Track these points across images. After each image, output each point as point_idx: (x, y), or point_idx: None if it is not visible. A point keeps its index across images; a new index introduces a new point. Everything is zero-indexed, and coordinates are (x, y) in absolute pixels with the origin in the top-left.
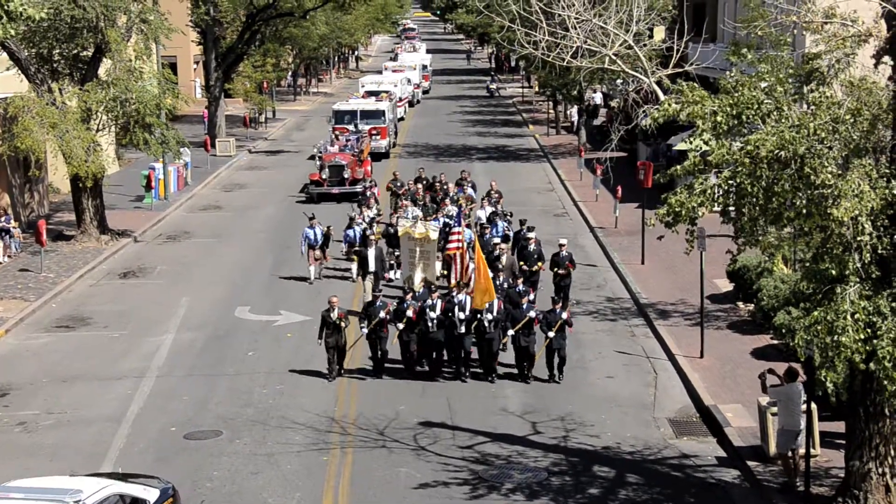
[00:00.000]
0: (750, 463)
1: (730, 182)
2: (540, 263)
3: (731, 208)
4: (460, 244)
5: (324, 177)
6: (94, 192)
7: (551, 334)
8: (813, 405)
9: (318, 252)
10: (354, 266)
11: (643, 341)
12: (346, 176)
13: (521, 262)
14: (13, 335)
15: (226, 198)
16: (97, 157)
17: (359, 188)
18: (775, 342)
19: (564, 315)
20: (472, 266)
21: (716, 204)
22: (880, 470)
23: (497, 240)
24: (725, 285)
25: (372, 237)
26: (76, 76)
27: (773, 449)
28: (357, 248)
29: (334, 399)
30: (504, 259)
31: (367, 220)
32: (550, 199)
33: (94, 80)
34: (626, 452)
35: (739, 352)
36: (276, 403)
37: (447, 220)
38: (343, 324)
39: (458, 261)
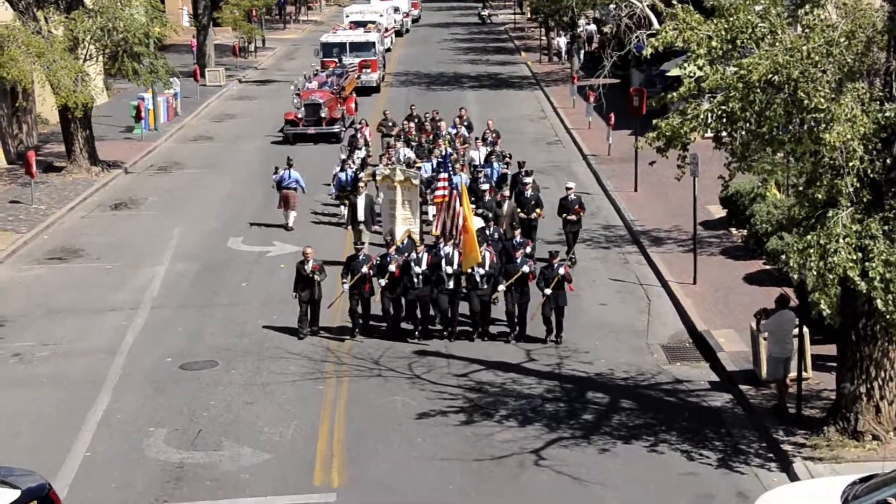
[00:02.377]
0: (742, 387)
1: (722, 107)
2: (539, 210)
3: (724, 134)
4: (446, 191)
5: (299, 116)
6: (83, 123)
7: (548, 291)
8: (805, 329)
9: (291, 193)
10: (346, 211)
11: (636, 268)
12: (322, 115)
13: (518, 210)
14: (5, 267)
15: (216, 128)
16: (86, 87)
17: (336, 128)
18: (768, 267)
19: (562, 270)
20: (460, 222)
21: (708, 129)
22: (871, 392)
23: (485, 186)
24: (718, 211)
25: (361, 183)
26: (62, 4)
27: (764, 374)
28: (346, 194)
29: (334, 319)
30: (505, 207)
31: (357, 161)
32: (543, 127)
33: (80, 8)
34: (619, 378)
35: (732, 277)
36: (271, 334)
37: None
38: (318, 277)
39: (446, 210)
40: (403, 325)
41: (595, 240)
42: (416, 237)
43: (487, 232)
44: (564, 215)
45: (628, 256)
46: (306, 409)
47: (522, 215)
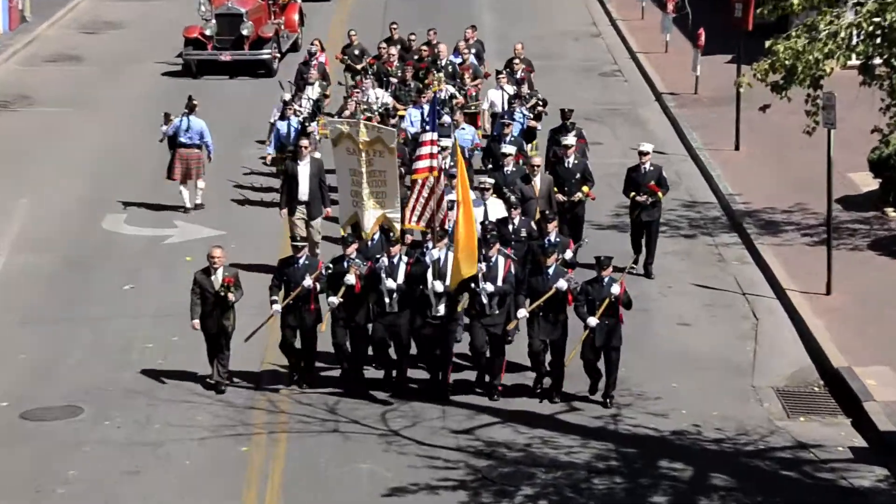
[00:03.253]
0: None
1: (875, 20)
2: (586, 188)
3: (877, 62)
4: (431, 163)
5: (208, 33)
6: None
7: (593, 321)
8: None
9: (191, 154)
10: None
11: (737, 269)
12: (245, 32)
13: (555, 189)
14: None
15: (87, 44)
16: None
17: (267, 54)
18: None
19: (616, 289)
20: (451, 211)
21: (853, 55)
22: None
23: (509, 149)
24: (867, 182)
25: (306, 144)
26: None
27: None
28: (285, 156)
29: (259, 358)
30: (537, 183)
31: (307, 105)
32: (594, 49)
33: None
34: (708, 440)
35: (887, 285)
36: (169, 365)
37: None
38: (231, 295)
39: (425, 191)
40: (368, 370)
41: (673, 224)
42: (397, 229)
43: (513, 225)
44: (634, 195)
45: (724, 250)
46: (222, 482)
47: (561, 197)
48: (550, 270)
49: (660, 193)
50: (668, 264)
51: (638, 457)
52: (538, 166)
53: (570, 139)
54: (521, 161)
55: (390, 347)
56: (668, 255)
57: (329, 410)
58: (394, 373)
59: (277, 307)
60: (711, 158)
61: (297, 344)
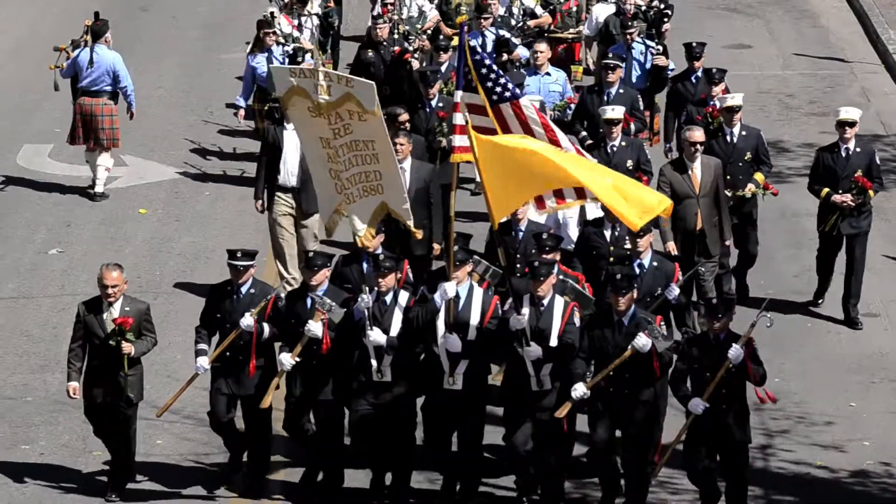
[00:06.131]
0: None
1: None
2: (761, 177)
3: None
4: (492, 126)
5: None
6: None
7: (698, 406)
8: None
9: (96, 105)
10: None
11: None
12: None
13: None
14: None
15: None
16: None
17: None
18: None
19: (737, 352)
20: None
21: None
22: None
23: (614, 111)
24: None
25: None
26: None
27: None
28: (266, 108)
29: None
30: (697, 169)
31: (309, 25)
32: None
33: None
34: None
35: None
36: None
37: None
38: (126, 346)
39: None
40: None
41: None
42: (414, 231)
43: (613, 233)
44: (827, 192)
45: None
46: None
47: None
48: (626, 318)
49: (871, 191)
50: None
51: None
52: (702, 144)
53: (737, 98)
54: (631, 127)
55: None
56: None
57: None
58: (388, 477)
59: (203, 362)
60: None
61: (238, 421)
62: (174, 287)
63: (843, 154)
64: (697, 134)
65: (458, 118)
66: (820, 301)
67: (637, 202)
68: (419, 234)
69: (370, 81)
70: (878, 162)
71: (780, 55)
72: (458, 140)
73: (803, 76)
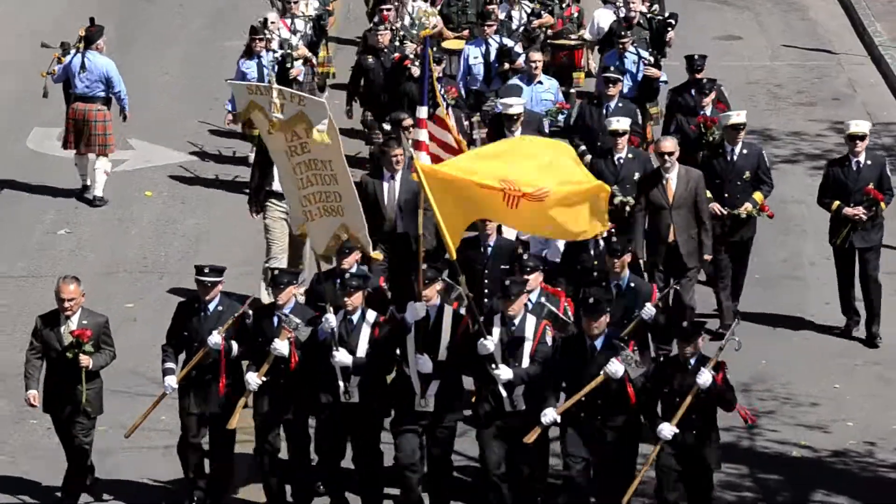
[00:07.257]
0: None
1: None
2: (759, 196)
3: None
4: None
5: None
6: None
7: (667, 432)
8: None
9: (89, 110)
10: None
11: None
12: None
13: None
14: None
15: None
16: None
17: None
18: None
19: (707, 378)
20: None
21: None
22: None
23: (619, 123)
24: None
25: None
26: None
27: None
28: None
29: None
30: (672, 180)
31: (302, 28)
32: None
33: None
34: (886, 465)
35: None
36: (119, 345)
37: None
38: (87, 360)
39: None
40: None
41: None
42: (372, 253)
43: (599, 248)
44: (838, 206)
45: None
46: None
47: (718, 209)
48: (598, 342)
49: (882, 203)
50: None
51: (782, 486)
52: (671, 154)
53: (741, 116)
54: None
55: (345, 457)
56: None
57: None
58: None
59: (171, 381)
60: None
61: (206, 444)
62: (179, 267)
63: (854, 167)
64: (667, 144)
65: (423, 134)
66: (857, 318)
67: (583, 210)
68: (379, 257)
69: (322, 101)
70: (889, 174)
71: (769, 46)
72: (424, 157)
73: (791, 67)
